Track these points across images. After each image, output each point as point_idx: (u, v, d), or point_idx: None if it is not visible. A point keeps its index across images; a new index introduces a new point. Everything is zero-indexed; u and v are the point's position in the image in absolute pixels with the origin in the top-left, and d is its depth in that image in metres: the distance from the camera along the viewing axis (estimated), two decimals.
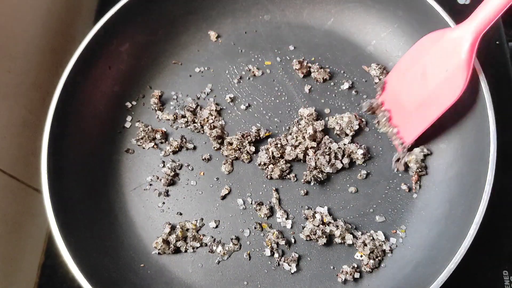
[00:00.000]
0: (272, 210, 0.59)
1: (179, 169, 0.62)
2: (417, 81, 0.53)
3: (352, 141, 0.61)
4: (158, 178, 0.62)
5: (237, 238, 0.58)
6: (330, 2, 0.67)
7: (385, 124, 0.57)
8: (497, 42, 0.69)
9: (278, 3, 0.68)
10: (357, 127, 0.60)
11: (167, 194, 0.61)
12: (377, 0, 0.65)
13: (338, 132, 0.61)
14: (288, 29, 0.69)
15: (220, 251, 0.57)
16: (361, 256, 0.56)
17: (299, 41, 0.68)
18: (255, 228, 0.58)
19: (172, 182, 0.61)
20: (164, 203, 0.61)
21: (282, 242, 0.57)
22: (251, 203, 0.59)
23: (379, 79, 0.64)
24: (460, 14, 0.67)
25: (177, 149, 0.63)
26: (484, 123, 0.53)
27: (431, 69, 0.52)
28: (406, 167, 0.58)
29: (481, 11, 0.49)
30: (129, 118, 0.65)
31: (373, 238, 0.56)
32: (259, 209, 0.59)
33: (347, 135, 0.61)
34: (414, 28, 0.63)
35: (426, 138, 0.60)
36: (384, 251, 0.56)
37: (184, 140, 0.63)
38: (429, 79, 0.52)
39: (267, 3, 0.68)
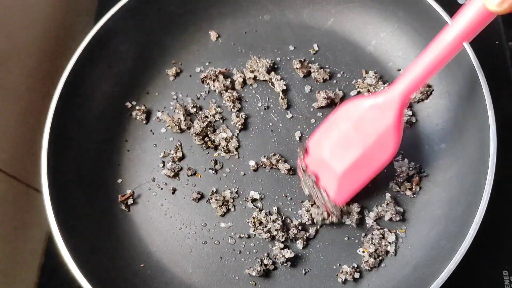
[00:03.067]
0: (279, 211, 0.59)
1: (179, 170, 0.62)
2: (344, 145, 0.54)
3: None
4: (157, 178, 0.62)
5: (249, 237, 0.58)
6: (330, 2, 0.67)
7: (313, 187, 0.57)
8: (497, 42, 0.69)
9: (278, 3, 0.68)
10: None
11: (167, 194, 0.61)
12: (377, 0, 0.65)
13: None
14: (288, 29, 0.69)
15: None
16: (363, 252, 0.56)
17: (299, 41, 0.68)
18: (256, 229, 0.58)
19: (171, 183, 0.61)
20: (163, 203, 0.61)
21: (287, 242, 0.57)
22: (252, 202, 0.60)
23: (368, 91, 0.64)
24: None
25: (177, 150, 0.63)
26: (484, 123, 0.53)
27: (360, 134, 0.52)
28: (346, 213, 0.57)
29: (405, 78, 0.49)
30: (129, 118, 0.65)
31: (383, 237, 0.56)
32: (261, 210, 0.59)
33: None
34: (414, 28, 0.63)
35: (426, 139, 0.61)
36: (387, 252, 0.56)
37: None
38: (358, 143, 0.53)
39: (267, 3, 0.68)
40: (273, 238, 0.57)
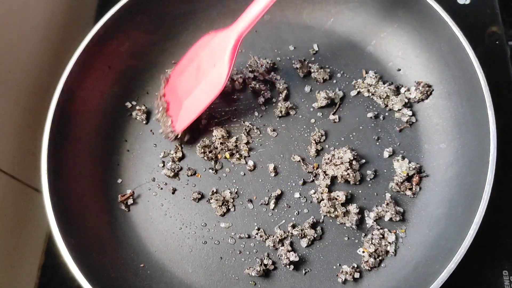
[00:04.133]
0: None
1: (179, 169, 0.62)
2: (191, 76, 0.60)
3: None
4: (157, 178, 0.62)
5: (249, 237, 0.58)
6: (330, 2, 0.67)
7: (162, 114, 0.62)
8: (497, 42, 0.69)
9: (278, 3, 0.68)
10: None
11: (167, 194, 0.61)
12: (377, 0, 0.65)
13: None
14: (288, 29, 0.69)
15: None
16: (363, 252, 0.56)
17: (299, 41, 0.68)
18: (258, 230, 0.58)
19: (171, 183, 0.61)
20: (163, 203, 0.61)
21: (287, 242, 0.57)
22: (252, 203, 0.60)
23: (368, 91, 0.64)
24: (460, 14, 0.68)
25: (177, 150, 0.63)
26: (484, 123, 0.53)
27: (203, 65, 0.59)
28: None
29: (242, 19, 0.57)
30: (129, 118, 0.65)
31: (383, 237, 0.56)
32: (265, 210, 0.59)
33: None
34: (414, 28, 0.63)
35: (426, 139, 0.61)
36: (387, 252, 0.56)
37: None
38: (201, 73, 0.59)
39: None
40: (280, 242, 0.57)
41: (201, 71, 0.59)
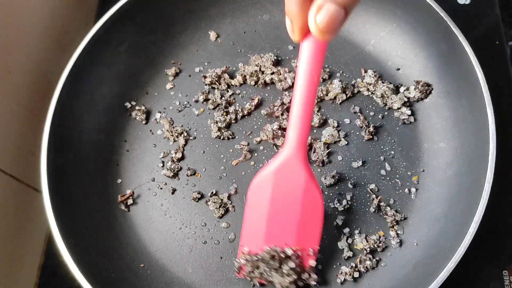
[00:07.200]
0: None
1: (179, 170, 0.62)
2: (280, 219, 0.51)
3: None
4: (157, 178, 0.62)
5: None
6: None
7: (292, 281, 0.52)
8: (497, 42, 0.69)
9: (277, 3, 0.68)
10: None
11: (166, 194, 0.61)
12: None
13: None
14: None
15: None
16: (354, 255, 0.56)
17: None
18: None
19: (171, 183, 0.62)
20: (163, 203, 0.61)
21: None
22: None
23: (368, 90, 0.64)
24: (460, 14, 0.68)
25: (177, 150, 0.63)
26: (483, 122, 0.53)
27: (285, 200, 0.50)
28: None
29: (291, 132, 0.47)
30: (128, 118, 0.65)
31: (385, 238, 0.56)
32: None
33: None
34: (413, 27, 0.63)
35: (425, 138, 0.61)
36: (386, 248, 0.56)
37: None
38: (291, 207, 0.50)
39: (266, 2, 0.68)
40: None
41: (289, 205, 0.50)
